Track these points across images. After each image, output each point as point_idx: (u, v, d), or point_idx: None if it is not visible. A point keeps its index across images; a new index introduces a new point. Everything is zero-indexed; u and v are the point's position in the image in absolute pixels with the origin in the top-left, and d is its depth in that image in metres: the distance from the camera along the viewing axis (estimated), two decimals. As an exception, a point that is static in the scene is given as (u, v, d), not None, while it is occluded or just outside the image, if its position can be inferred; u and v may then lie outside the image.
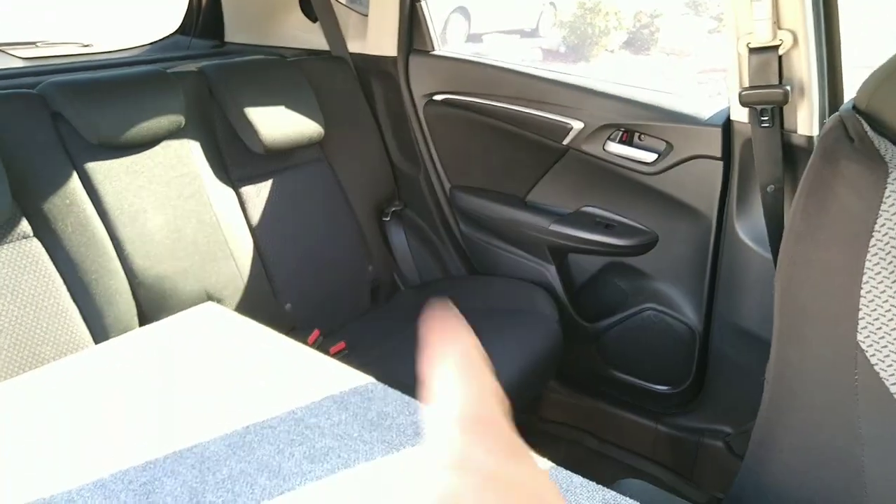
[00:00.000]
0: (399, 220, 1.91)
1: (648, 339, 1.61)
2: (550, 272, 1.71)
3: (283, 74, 1.66)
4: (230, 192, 1.52)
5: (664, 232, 1.53)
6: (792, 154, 1.22)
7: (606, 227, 1.59)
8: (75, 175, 1.29)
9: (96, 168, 1.31)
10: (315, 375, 0.95)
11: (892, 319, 0.65)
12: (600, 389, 1.75)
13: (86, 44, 1.88)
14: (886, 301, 0.65)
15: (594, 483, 0.75)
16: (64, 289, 1.23)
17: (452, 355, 0.29)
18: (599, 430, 1.77)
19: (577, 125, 1.54)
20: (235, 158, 1.54)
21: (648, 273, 1.60)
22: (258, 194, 1.56)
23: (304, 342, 1.14)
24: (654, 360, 1.61)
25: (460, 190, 1.82)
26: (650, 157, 1.45)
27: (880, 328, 0.66)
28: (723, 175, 1.37)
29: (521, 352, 1.47)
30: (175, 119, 1.41)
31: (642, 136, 1.47)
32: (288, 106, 1.59)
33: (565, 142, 1.57)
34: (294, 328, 1.53)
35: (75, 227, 1.26)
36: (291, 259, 1.59)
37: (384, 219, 1.88)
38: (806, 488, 0.74)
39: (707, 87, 6.15)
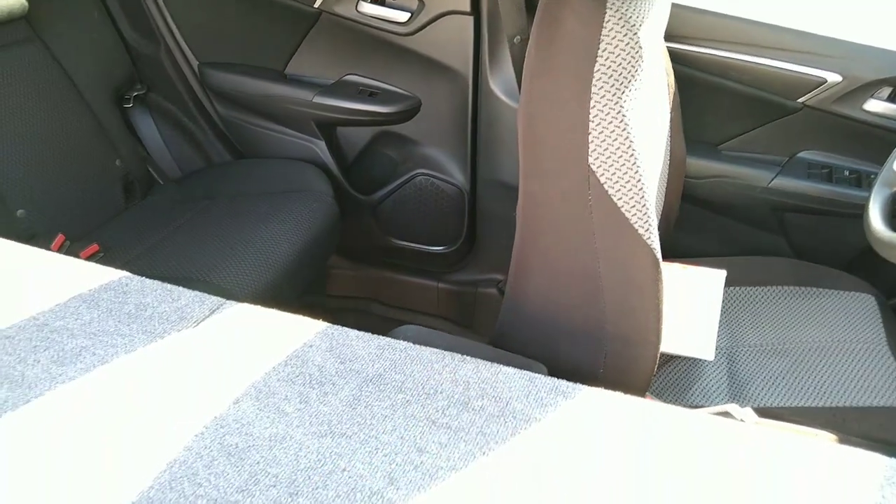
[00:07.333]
0: (144, 106, 1.71)
1: (421, 204, 1.66)
2: (320, 148, 1.66)
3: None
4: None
5: (426, 96, 1.55)
6: (535, 4, 1.27)
7: (370, 95, 1.56)
8: None
9: None
10: (59, 278, 0.84)
11: (615, 140, 0.72)
12: (382, 258, 1.79)
13: None
14: (610, 123, 0.72)
15: (369, 333, 0.77)
16: None
17: None
18: (385, 296, 1.83)
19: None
20: None
21: (416, 139, 1.62)
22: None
23: (47, 249, 1.00)
24: (428, 223, 1.68)
25: (211, 67, 1.66)
26: (403, 16, 1.43)
27: (606, 149, 0.73)
28: (474, 30, 1.39)
29: (299, 232, 1.44)
30: None
31: None
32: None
33: (317, 4, 1.49)
34: (34, 236, 1.34)
35: None
36: (14, 160, 1.36)
37: (126, 105, 1.67)
38: (555, 304, 0.83)
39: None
